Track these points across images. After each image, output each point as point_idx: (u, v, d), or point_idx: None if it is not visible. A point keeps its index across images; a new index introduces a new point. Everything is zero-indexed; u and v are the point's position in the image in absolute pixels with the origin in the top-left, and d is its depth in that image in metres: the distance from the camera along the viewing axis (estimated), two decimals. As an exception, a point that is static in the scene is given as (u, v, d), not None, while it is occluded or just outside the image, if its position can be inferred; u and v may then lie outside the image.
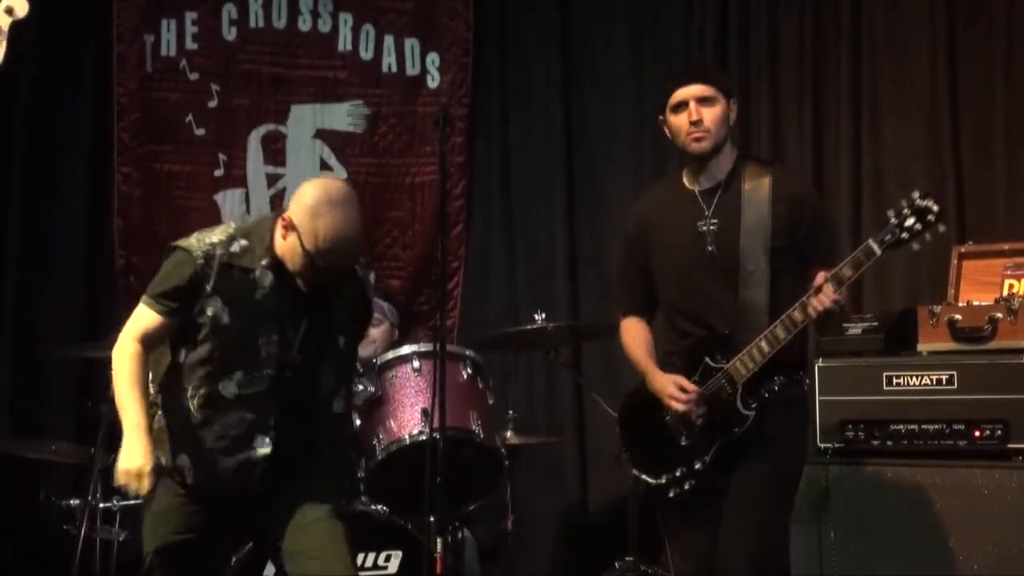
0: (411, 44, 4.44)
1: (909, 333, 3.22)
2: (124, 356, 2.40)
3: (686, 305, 2.75)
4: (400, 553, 3.20)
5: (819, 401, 3.18)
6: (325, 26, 4.38)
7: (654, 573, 3.50)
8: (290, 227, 2.37)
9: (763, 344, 2.62)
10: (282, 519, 2.45)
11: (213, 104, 4.29)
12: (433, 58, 4.44)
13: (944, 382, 3.10)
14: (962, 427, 3.06)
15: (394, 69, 4.42)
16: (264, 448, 2.41)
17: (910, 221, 2.56)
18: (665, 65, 4.22)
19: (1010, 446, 3.00)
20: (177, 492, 2.46)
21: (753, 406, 2.64)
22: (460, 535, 3.53)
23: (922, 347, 3.19)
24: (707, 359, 2.69)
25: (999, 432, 3.01)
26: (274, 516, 2.46)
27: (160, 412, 2.48)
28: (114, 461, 3.59)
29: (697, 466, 2.68)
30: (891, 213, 2.58)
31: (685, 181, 2.80)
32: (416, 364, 3.33)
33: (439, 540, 2.74)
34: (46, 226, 4.23)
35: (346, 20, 4.40)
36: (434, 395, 2.71)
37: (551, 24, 4.48)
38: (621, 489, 3.57)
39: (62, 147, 4.25)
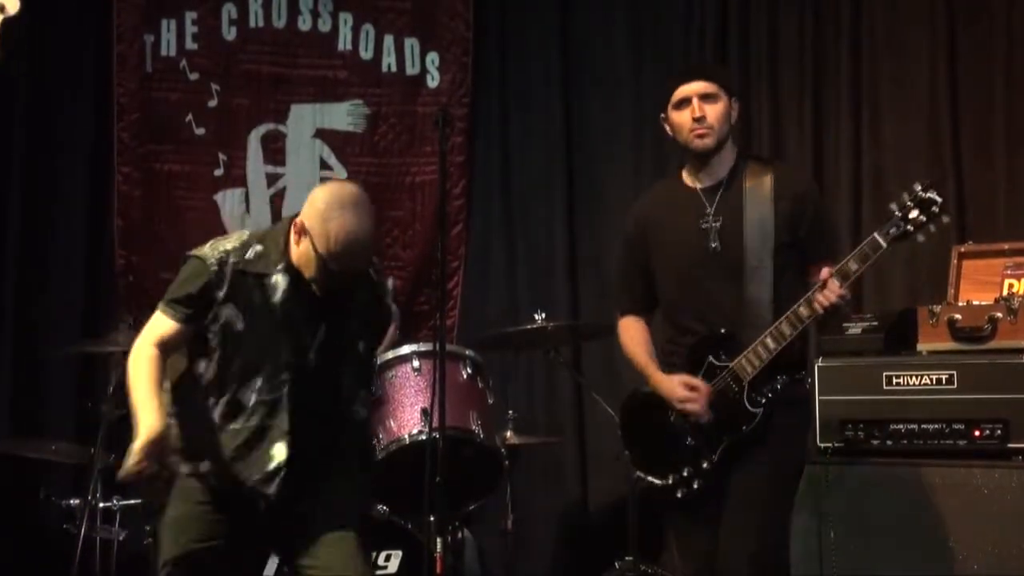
0: (411, 44, 4.44)
1: (909, 333, 3.21)
2: (141, 358, 2.39)
3: (688, 303, 2.74)
4: (400, 553, 3.21)
5: (819, 401, 3.16)
6: (325, 26, 4.39)
7: (654, 573, 3.51)
8: (302, 232, 2.37)
9: (769, 341, 2.61)
10: (303, 532, 2.43)
11: (213, 104, 4.30)
12: (433, 58, 4.45)
13: (944, 382, 3.09)
14: (962, 427, 3.05)
15: (394, 69, 4.43)
16: (282, 454, 2.39)
17: (914, 213, 2.56)
18: (665, 64, 4.22)
19: (1010, 446, 2.99)
20: (198, 500, 2.44)
21: (761, 402, 2.64)
22: (460, 535, 3.53)
23: (922, 347, 3.18)
24: (710, 358, 2.69)
25: (999, 432, 3.00)
26: (296, 527, 2.44)
27: (175, 422, 2.45)
28: (114, 461, 3.62)
29: (705, 465, 2.67)
30: (894, 206, 2.58)
31: (686, 179, 2.79)
32: (416, 364, 3.33)
33: (439, 540, 2.74)
34: (46, 226, 4.23)
35: (346, 20, 4.40)
36: (434, 395, 2.71)
37: (551, 24, 4.48)
38: (621, 489, 3.57)
39: (62, 147, 4.26)
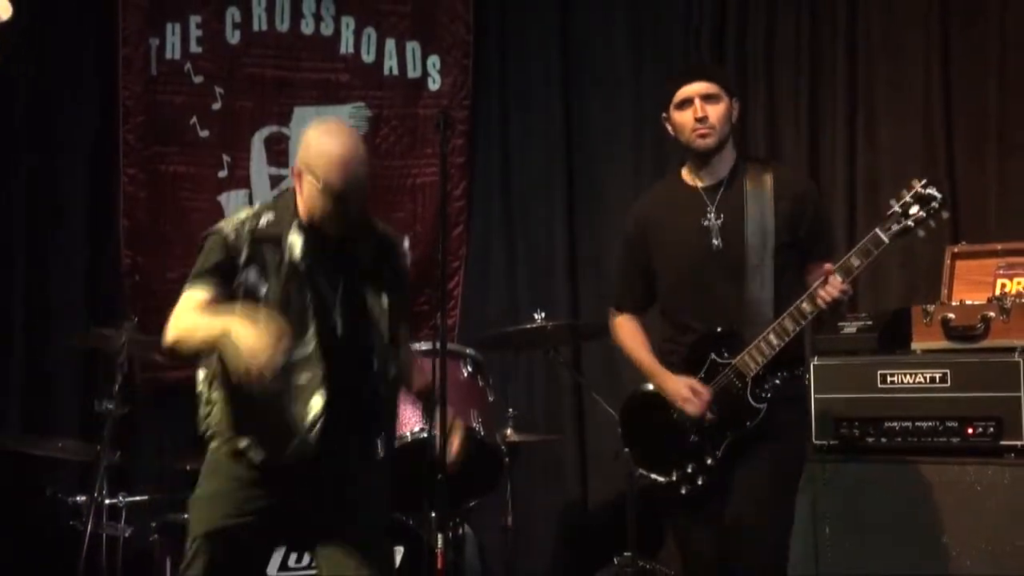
0: (412, 47, 4.46)
1: (903, 332, 3.25)
2: (185, 312, 2.37)
3: (689, 301, 2.75)
4: (401, 549, 3.23)
5: (814, 399, 3.20)
6: (327, 29, 4.41)
7: (652, 569, 3.52)
8: (299, 173, 2.42)
9: (771, 337, 2.63)
10: (327, 531, 2.46)
11: (217, 106, 4.31)
12: (434, 61, 4.47)
13: (938, 380, 3.13)
14: (955, 424, 3.09)
15: (395, 72, 4.45)
16: (319, 404, 2.39)
17: (914, 209, 2.58)
18: (664, 65, 4.23)
19: (1002, 443, 3.03)
20: (232, 476, 2.45)
21: (764, 398, 2.65)
22: (461, 531, 3.56)
23: (916, 346, 3.22)
24: (712, 355, 2.70)
25: (991, 429, 3.04)
26: (322, 521, 2.47)
27: (212, 408, 2.47)
28: (120, 458, 3.65)
29: (709, 462, 2.68)
30: (893, 202, 2.60)
31: (686, 178, 2.81)
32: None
33: (440, 536, 2.76)
34: (50, 228, 4.24)
35: (348, 23, 4.42)
36: (434, 393, 2.73)
37: (551, 25, 4.50)
38: (620, 487, 3.59)
39: (63, 148, 4.26)
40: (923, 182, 2.60)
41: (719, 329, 2.69)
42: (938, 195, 2.58)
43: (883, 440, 3.17)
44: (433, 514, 2.75)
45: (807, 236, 2.72)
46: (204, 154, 4.32)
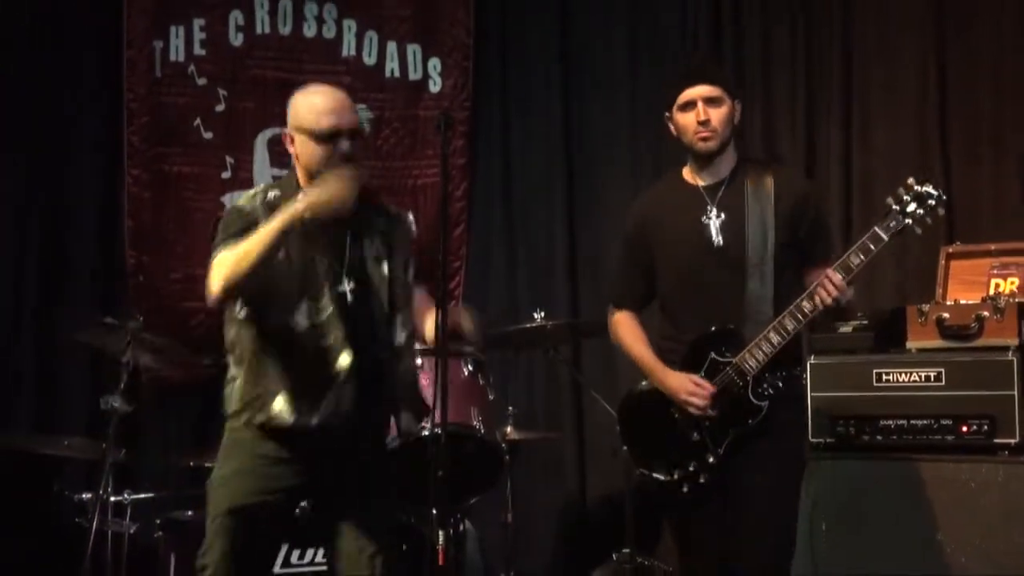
0: (413, 50, 4.50)
1: (898, 331, 3.24)
2: (221, 262, 2.40)
3: (690, 300, 2.75)
4: (403, 545, 3.27)
5: (811, 397, 3.18)
6: (330, 32, 4.44)
7: (650, 565, 3.55)
8: (292, 139, 2.50)
9: (772, 335, 2.63)
10: (338, 525, 2.50)
11: (220, 108, 4.34)
12: (435, 63, 4.51)
13: (932, 378, 3.13)
14: (950, 422, 3.09)
15: (397, 74, 4.48)
16: (346, 361, 2.44)
17: (912, 207, 2.60)
18: (662, 69, 4.27)
19: (996, 441, 3.03)
20: (253, 454, 2.47)
21: (767, 394, 2.65)
22: (462, 527, 3.58)
23: (911, 344, 3.21)
24: (713, 354, 2.70)
25: (985, 427, 3.04)
26: (337, 505, 2.50)
27: (240, 381, 2.48)
28: (125, 456, 3.68)
29: (710, 460, 2.68)
30: (891, 200, 2.61)
31: (687, 178, 2.82)
32: (418, 361, 3.38)
33: (441, 532, 2.79)
34: (58, 228, 4.26)
35: (350, 27, 4.45)
36: (436, 392, 2.76)
37: (551, 29, 4.53)
38: (618, 484, 3.62)
39: (70, 150, 4.28)
40: (920, 180, 2.62)
41: (719, 327, 2.70)
42: (934, 193, 2.60)
43: (879, 438, 3.17)
44: (434, 511, 2.76)
45: (807, 236, 2.73)
46: (208, 155, 4.35)
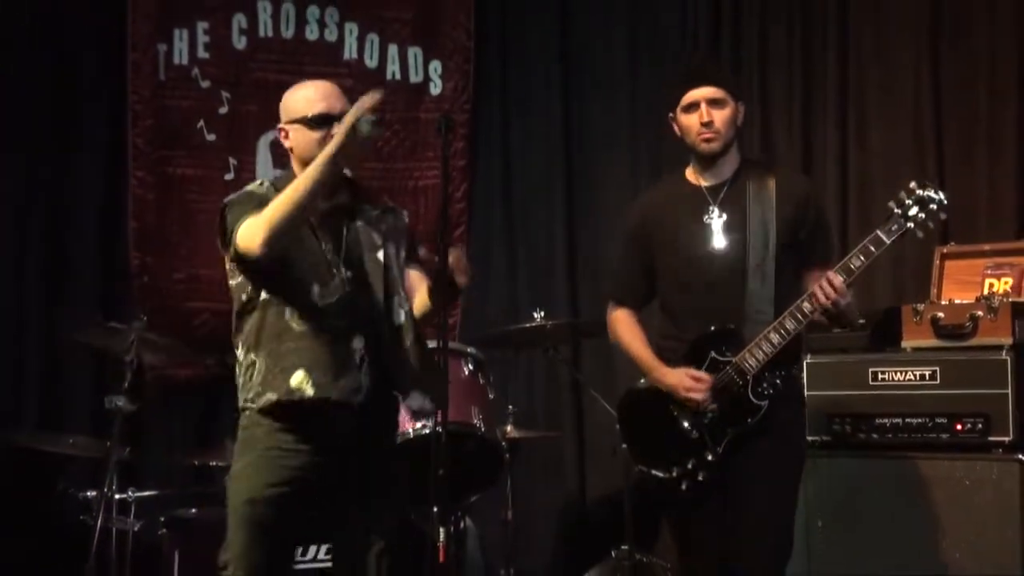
0: (414, 53, 4.52)
1: (894, 330, 3.29)
2: (259, 217, 2.39)
3: (690, 299, 2.75)
4: (409, 543, 3.28)
5: (807, 396, 3.22)
6: (331, 35, 4.46)
7: (648, 562, 3.56)
8: (287, 133, 2.54)
9: (772, 335, 2.63)
10: (344, 520, 2.53)
11: (224, 111, 4.35)
12: (436, 66, 4.53)
13: (927, 377, 3.17)
14: (944, 421, 3.13)
15: (398, 77, 4.50)
16: (360, 345, 2.47)
17: (913, 211, 2.60)
18: (661, 69, 4.29)
19: (990, 439, 3.07)
20: (267, 446, 2.47)
21: (766, 394, 2.65)
22: (463, 525, 3.59)
23: (906, 344, 3.25)
24: (713, 353, 2.69)
25: (979, 425, 3.08)
26: (342, 506, 2.52)
27: (260, 364, 2.48)
28: (129, 454, 3.71)
29: (710, 458, 2.67)
30: (892, 204, 2.62)
31: (690, 177, 2.82)
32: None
33: (441, 530, 2.79)
34: (63, 230, 4.28)
35: (351, 30, 4.47)
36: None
37: (551, 31, 4.55)
38: (617, 481, 3.63)
39: (76, 152, 4.29)
40: (922, 184, 2.62)
41: (719, 327, 2.70)
42: (936, 196, 2.61)
43: (874, 436, 3.20)
44: (435, 509, 2.78)
45: (808, 238, 2.74)
46: (211, 157, 4.36)
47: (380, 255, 2.57)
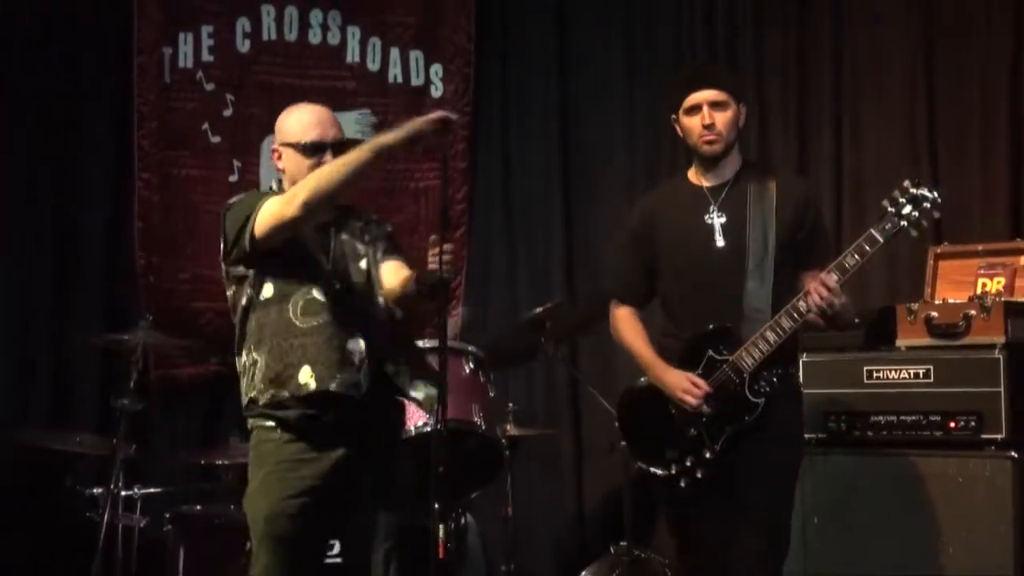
0: (416, 56, 4.55)
1: (888, 329, 3.31)
2: (291, 192, 2.43)
3: (690, 298, 2.77)
4: (413, 543, 3.30)
5: (803, 394, 3.30)
6: (334, 39, 4.49)
7: (646, 557, 3.58)
8: (280, 154, 2.56)
9: (769, 334, 2.65)
10: (354, 521, 2.58)
11: (228, 113, 4.38)
12: (436, 69, 4.56)
13: (921, 376, 3.20)
14: (938, 418, 3.16)
15: (399, 80, 4.53)
16: (360, 346, 2.51)
17: (907, 209, 2.61)
18: (659, 71, 4.30)
19: (983, 436, 3.09)
20: (277, 460, 2.49)
21: (763, 391, 2.67)
22: (463, 521, 3.62)
23: (900, 342, 3.28)
24: (710, 351, 2.71)
25: (973, 423, 3.11)
26: (351, 506, 2.56)
27: (262, 362, 2.51)
28: (135, 452, 3.75)
29: (707, 455, 2.69)
30: (886, 202, 2.63)
31: (691, 178, 2.84)
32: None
33: (442, 526, 2.84)
34: (71, 231, 4.31)
35: (354, 33, 4.50)
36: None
37: (550, 36, 4.57)
38: (615, 478, 3.68)
39: (83, 154, 4.32)
40: (915, 182, 2.63)
41: (717, 326, 2.71)
42: (930, 195, 2.61)
43: (869, 434, 3.22)
44: (436, 505, 2.82)
45: (806, 239, 2.75)
46: (215, 159, 4.38)
47: (363, 264, 2.62)
